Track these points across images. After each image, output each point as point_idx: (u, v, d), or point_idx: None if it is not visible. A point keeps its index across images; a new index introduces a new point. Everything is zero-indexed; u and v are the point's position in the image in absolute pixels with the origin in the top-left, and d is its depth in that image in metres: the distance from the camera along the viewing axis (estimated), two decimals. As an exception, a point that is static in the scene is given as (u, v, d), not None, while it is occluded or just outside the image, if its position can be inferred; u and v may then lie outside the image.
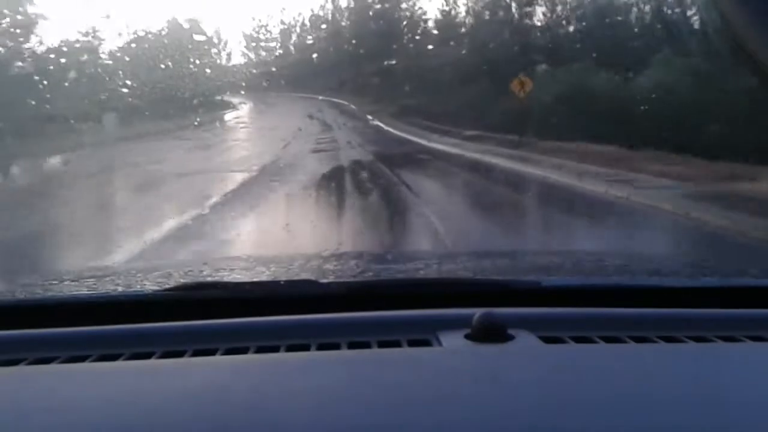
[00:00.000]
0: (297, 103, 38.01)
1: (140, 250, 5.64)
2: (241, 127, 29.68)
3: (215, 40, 45.02)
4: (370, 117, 28.31)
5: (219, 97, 34.52)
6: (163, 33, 40.31)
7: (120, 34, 43.33)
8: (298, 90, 41.26)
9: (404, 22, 36.51)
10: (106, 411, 0.75)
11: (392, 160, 13.50)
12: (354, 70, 37.36)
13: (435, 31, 34.10)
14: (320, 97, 38.97)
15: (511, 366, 0.88)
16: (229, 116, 32.22)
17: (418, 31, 35.30)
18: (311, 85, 40.57)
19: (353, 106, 35.38)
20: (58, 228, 7.26)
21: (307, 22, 49.49)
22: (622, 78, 16.37)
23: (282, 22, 54.37)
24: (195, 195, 9.43)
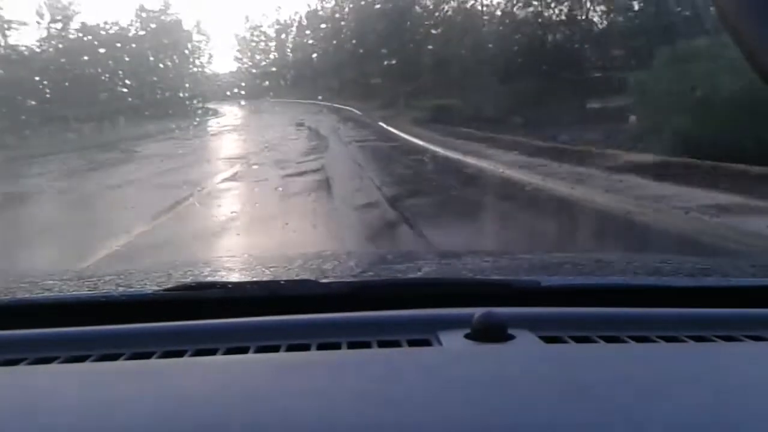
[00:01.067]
0: (290, 109, 30.79)
1: None
2: (192, 146, 18.70)
3: (196, 38, 39.85)
4: (387, 126, 20.78)
5: (200, 104, 29.53)
6: (130, 26, 34.44)
7: (39, 22, 29.55)
8: (293, 94, 36.13)
9: (419, 8, 30.22)
10: (107, 411, 0.75)
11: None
12: (357, 69, 31.64)
13: (467, 13, 25.65)
14: (318, 102, 32.58)
15: (511, 366, 0.88)
16: (184, 132, 22.87)
17: (439, 15, 28.32)
18: (309, 89, 36.12)
19: (357, 111, 28.35)
20: None
21: (304, 20, 45.53)
22: None
23: (278, 22, 50.30)
24: None
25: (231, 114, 32.45)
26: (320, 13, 42.65)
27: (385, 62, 30.45)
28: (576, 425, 0.70)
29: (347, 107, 30.71)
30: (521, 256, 1.95)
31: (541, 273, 1.51)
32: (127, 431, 0.71)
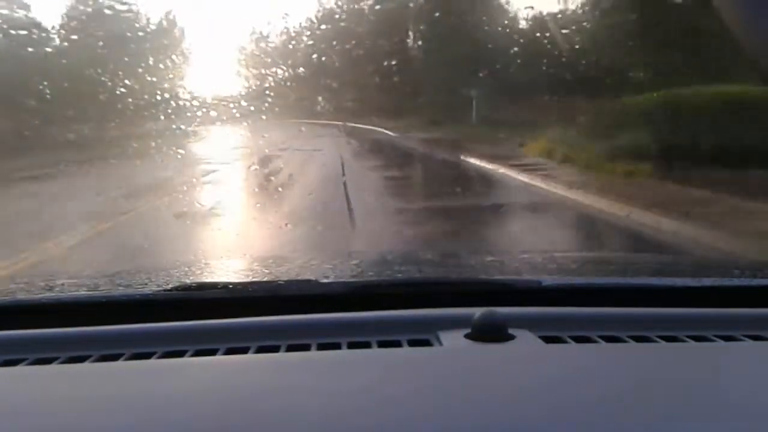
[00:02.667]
0: (286, 133, 20.06)
1: None
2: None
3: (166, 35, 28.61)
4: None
5: (176, 126, 18.28)
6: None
7: None
8: (297, 112, 25.88)
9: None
10: (107, 411, 0.75)
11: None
12: (388, 77, 21.74)
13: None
14: (333, 121, 23.88)
15: (511, 365, 0.88)
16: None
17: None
18: (318, 104, 27.46)
19: (390, 132, 19.29)
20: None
21: (314, 19, 36.71)
22: None
23: (285, 30, 42.60)
24: None
25: (210, 138, 22.93)
26: (335, 6, 34.22)
27: (418, 57, 20.32)
28: (576, 425, 0.70)
29: (373, 127, 21.07)
30: (522, 256, 1.96)
31: (542, 273, 1.51)
32: (127, 431, 0.71)
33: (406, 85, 20.82)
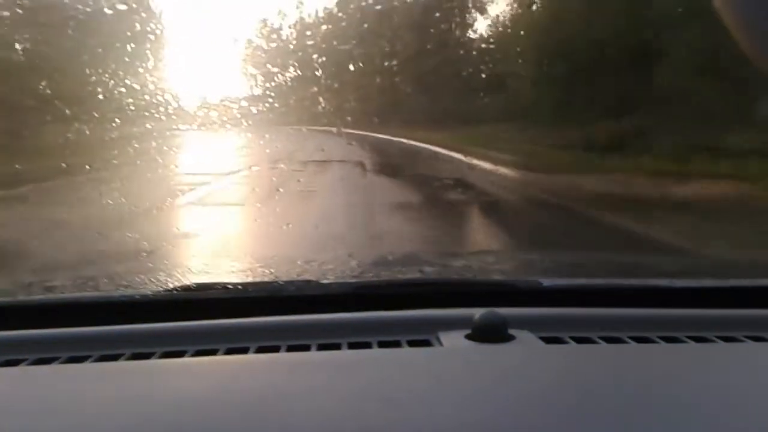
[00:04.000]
0: (276, 154, 12.73)
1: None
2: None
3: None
4: None
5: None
6: None
7: None
8: (310, 119, 20.60)
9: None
10: (107, 411, 0.75)
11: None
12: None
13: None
14: (360, 130, 17.83)
15: (511, 366, 0.88)
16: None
17: None
18: (345, 108, 20.00)
19: (505, 169, 10.22)
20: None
21: (333, 7, 30.25)
22: None
23: (298, 23, 35.07)
24: None
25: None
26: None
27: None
28: (576, 425, 0.70)
29: (425, 144, 13.41)
30: (522, 257, 1.95)
31: (542, 273, 1.51)
32: (127, 431, 0.71)
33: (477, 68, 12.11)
